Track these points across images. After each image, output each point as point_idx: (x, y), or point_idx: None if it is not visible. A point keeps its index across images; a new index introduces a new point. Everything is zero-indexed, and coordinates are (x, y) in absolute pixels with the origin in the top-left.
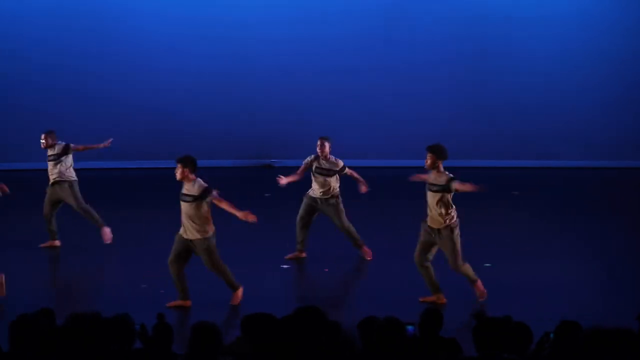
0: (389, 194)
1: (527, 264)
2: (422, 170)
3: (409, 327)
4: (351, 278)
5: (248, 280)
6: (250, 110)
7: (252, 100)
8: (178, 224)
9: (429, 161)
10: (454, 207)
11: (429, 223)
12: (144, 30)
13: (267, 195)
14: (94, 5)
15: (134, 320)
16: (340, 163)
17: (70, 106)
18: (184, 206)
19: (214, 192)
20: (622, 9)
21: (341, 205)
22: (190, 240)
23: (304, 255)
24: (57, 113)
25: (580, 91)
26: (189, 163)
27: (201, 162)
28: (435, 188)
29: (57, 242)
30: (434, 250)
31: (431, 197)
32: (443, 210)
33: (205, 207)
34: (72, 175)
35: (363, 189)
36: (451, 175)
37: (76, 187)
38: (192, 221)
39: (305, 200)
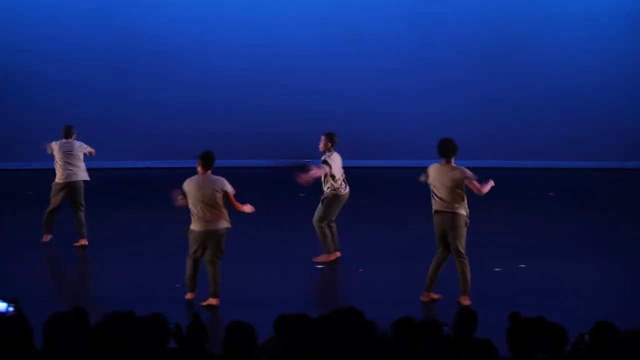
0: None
1: (562, 264)
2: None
3: (444, 328)
4: (385, 278)
5: (281, 279)
6: (285, 110)
7: (287, 100)
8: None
9: None
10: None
11: None
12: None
13: (301, 195)
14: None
15: (169, 319)
16: (323, 158)
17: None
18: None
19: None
20: None
21: (327, 205)
22: (215, 231)
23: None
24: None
25: (618, 91)
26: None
27: (237, 162)
28: None
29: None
30: None
31: None
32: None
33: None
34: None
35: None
36: None
37: None
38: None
39: None
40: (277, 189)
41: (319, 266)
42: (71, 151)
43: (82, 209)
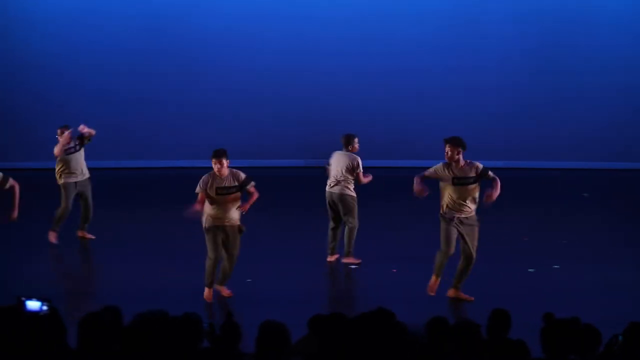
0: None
1: (595, 265)
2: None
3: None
4: (419, 278)
5: (315, 278)
6: (324, 110)
7: (324, 100)
8: None
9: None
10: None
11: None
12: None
13: None
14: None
15: (202, 318)
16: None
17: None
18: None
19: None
20: None
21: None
22: (231, 226)
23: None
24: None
25: None
26: (227, 155)
27: (274, 162)
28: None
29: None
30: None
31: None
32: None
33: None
34: None
35: None
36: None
37: None
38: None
39: None
40: (312, 188)
41: (353, 266)
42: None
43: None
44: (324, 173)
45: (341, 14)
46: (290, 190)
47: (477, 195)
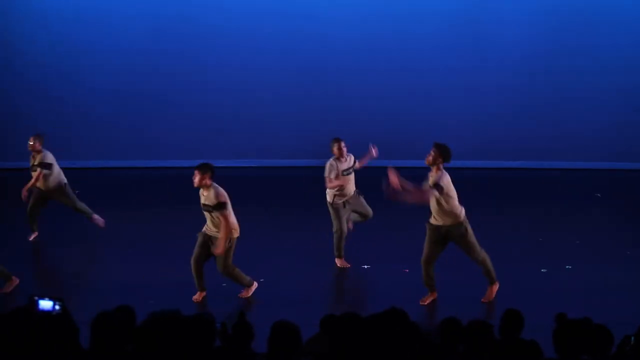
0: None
1: (608, 265)
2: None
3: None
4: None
5: (320, 278)
6: (334, 109)
7: (324, 100)
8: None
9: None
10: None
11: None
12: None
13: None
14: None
15: (215, 318)
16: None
17: (146, 111)
18: (206, 213)
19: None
20: None
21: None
22: (209, 237)
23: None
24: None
25: None
26: (208, 170)
27: (274, 162)
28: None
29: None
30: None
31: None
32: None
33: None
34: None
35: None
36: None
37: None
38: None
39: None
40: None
41: (366, 266)
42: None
43: None
44: None
45: (341, 14)
46: (290, 190)
47: (441, 204)
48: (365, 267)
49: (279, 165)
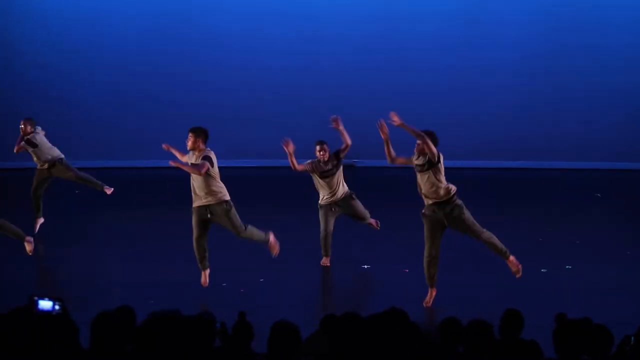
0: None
1: (608, 265)
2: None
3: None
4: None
5: (326, 278)
6: (336, 109)
7: (336, 99)
8: None
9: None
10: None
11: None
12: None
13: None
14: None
15: (215, 318)
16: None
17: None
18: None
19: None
20: None
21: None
22: (206, 207)
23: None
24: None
25: None
26: (201, 133)
27: (274, 162)
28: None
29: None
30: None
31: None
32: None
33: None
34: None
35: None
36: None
37: None
38: (204, 190)
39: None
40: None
41: (365, 266)
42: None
43: None
44: None
45: (342, 14)
46: (290, 190)
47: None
48: (365, 267)
49: (279, 165)
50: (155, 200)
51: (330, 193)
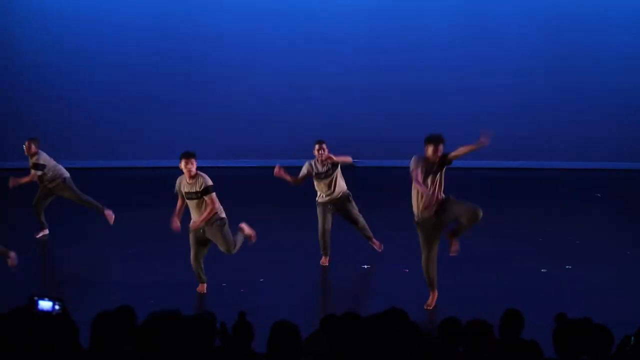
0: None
1: (608, 265)
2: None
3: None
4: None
5: (326, 278)
6: (335, 109)
7: (336, 99)
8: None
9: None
10: None
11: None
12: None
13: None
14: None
15: (215, 318)
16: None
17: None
18: (191, 203)
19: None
20: None
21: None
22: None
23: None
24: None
25: None
26: (195, 157)
27: (274, 162)
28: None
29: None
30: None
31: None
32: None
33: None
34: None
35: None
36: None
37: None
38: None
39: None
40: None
41: (365, 266)
42: None
43: None
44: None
45: (342, 14)
46: (290, 190)
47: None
48: (365, 267)
49: (281, 166)
50: (155, 200)
51: (327, 193)
